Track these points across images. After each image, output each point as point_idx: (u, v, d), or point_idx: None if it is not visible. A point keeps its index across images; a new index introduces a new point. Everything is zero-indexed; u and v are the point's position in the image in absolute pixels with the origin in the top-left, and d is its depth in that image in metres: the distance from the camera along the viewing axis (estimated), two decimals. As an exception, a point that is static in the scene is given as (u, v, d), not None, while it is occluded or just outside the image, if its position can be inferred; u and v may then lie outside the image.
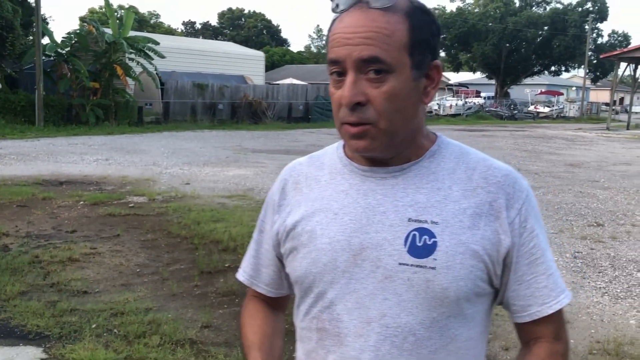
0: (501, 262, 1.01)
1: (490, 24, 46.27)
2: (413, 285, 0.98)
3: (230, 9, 66.92)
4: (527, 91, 50.13)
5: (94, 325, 3.90)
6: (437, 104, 40.91)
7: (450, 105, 40.18)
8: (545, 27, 46.94)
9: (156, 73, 22.27)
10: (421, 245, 0.98)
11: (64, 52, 21.08)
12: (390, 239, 0.99)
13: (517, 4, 49.05)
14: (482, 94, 48.73)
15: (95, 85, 21.19)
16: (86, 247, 5.77)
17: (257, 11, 68.86)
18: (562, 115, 46.02)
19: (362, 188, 1.04)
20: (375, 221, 1.01)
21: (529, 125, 35.27)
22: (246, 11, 66.64)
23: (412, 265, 0.98)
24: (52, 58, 20.97)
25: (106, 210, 7.44)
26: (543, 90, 52.26)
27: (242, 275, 1.24)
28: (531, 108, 45.82)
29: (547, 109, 45.46)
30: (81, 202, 7.89)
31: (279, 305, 1.25)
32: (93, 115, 20.66)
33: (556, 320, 1.06)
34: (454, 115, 38.73)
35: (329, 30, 1.01)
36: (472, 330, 1.03)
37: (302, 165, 1.15)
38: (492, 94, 50.15)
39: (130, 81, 22.05)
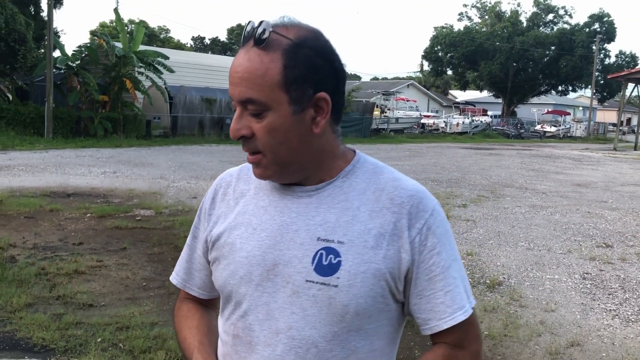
0: (402, 279, 1.07)
1: (498, 43, 46.43)
2: (317, 302, 1.04)
3: (239, 25, 67.45)
4: (534, 110, 50.13)
5: (99, 339, 3.88)
6: (444, 121, 40.95)
7: (457, 124, 40.18)
8: (553, 47, 47.05)
9: (165, 87, 22.42)
10: (327, 264, 1.04)
11: (74, 65, 21.27)
12: (299, 257, 1.06)
13: (525, 24, 49.24)
14: (489, 113, 48.75)
15: (105, 98, 21.35)
16: (92, 259, 5.76)
17: (266, 27, 69.22)
18: (568, 135, 45.95)
19: (279, 205, 1.10)
20: (288, 239, 1.07)
21: (535, 144, 35.21)
22: (255, 27, 67.15)
23: (317, 282, 1.04)
24: (62, 71, 21.16)
25: (113, 223, 7.44)
26: (550, 109, 52.24)
27: (175, 278, 1.30)
28: (538, 127, 45.78)
29: (553, 129, 45.40)
30: (88, 215, 7.90)
31: (211, 305, 1.30)
32: (101, 128, 20.77)
33: (457, 332, 1.09)
34: (460, 134, 38.73)
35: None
36: (375, 343, 1.09)
37: (232, 177, 1.21)
38: (499, 113, 50.18)
39: (139, 95, 22.19)
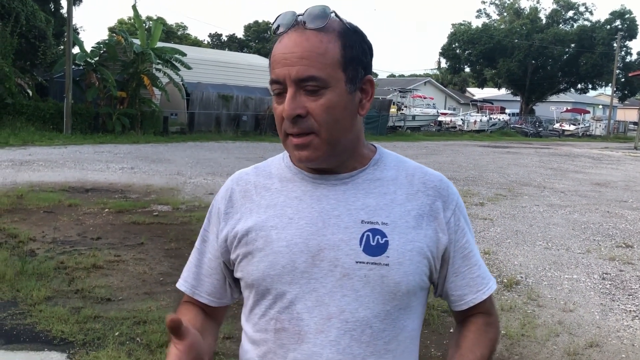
0: (440, 257, 1.13)
1: (516, 41, 45.99)
2: (369, 281, 1.07)
3: (256, 22, 67.61)
4: (553, 108, 49.61)
5: (117, 333, 3.91)
6: (462, 119, 40.70)
7: (475, 121, 39.92)
8: (572, 45, 46.49)
9: (182, 84, 22.55)
10: (375, 244, 1.07)
11: (93, 61, 21.46)
12: (346, 240, 1.08)
13: (544, 21, 48.72)
14: (507, 111, 48.35)
15: (123, 94, 21.52)
16: (110, 254, 5.82)
17: (283, 24, 69.27)
18: (588, 133, 45.42)
19: (315, 194, 1.12)
20: (331, 224, 1.09)
21: (554, 143, 34.84)
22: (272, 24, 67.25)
23: (367, 262, 1.07)
24: (81, 67, 21.37)
25: (131, 218, 7.51)
26: (569, 107, 51.69)
27: (183, 284, 1.26)
28: (556, 126, 45.33)
29: (572, 127, 44.92)
30: (106, 210, 7.98)
31: (216, 315, 1.27)
32: (119, 124, 20.95)
33: (487, 301, 1.19)
34: (478, 131, 38.47)
35: (270, 52, 1.10)
36: (415, 321, 1.14)
37: (249, 175, 1.21)
38: (517, 111, 49.74)
39: (156, 91, 22.33)
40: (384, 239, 1.08)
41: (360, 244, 1.07)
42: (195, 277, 1.24)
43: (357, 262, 1.07)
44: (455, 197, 1.17)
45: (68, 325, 3.99)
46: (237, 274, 1.17)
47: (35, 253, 5.73)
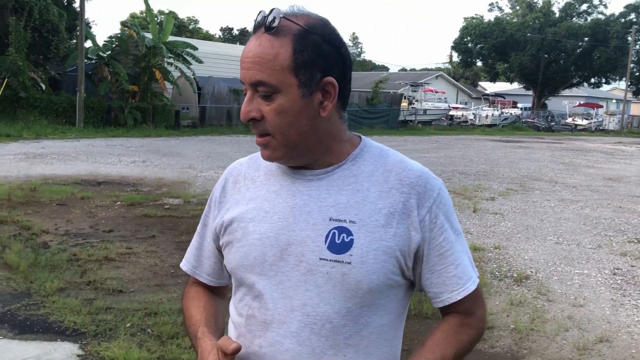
0: (412, 256, 1.12)
1: (529, 34, 45.59)
2: (331, 278, 1.09)
3: (267, 16, 67.55)
4: (565, 103, 49.16)
5: (128, 324, 3.96)
6: (473, 113, 40.48)
7: (486, 116, 39.68)
8: (586, 38, 46.00)
9: (194, 78, 22.61)
10: (339, 242, 1.09)
11: (105, 55, 21.58)
12: (312, 237, 1.10)
13: (557, 15, 48.23)
14: (519, 105, 48.00)
15: (134, 88, 21.63)
16: (122, 246, 5.87)
17: (294, 18, 69.18)
18: (601, 128, 44.99)
19: (291, 189, 1.15)
20: (301, 220, 1.12)
21: (566, 137, 34.58)
22: (283, 18, 67.16)
23: (330, 260, 1.09)
24: (93, 61, 21.48)
25: (142, 211, 7.57)
26: (582, 102, 51.18)
27: (185, 265, 1.34)
28: (569, 120, 44.92)
29: (585, 122, 44.49)
30: (118, 203, 8.04)
31: (219, 292, 1.35)
32: (131, 118, 21.07)
33: (467, 301, 1.17)
34: (489, 126, 38.24)
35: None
36: (384, 317, 1.14)
37: (242, 166, 1.26)
38: (529, 105, 49.37)
39: (168, 85, 22.43)
40: (350, 237, 1.09)
41: (326, 242, 1.09)
42: (196, 258, 1.32)
43: (320, 259, 1.09)
44: (434, 193, 1.14)
45: (80, 316, 4.04)
46: (224, 261, 1.23)
47: (48, 245, 5.80)
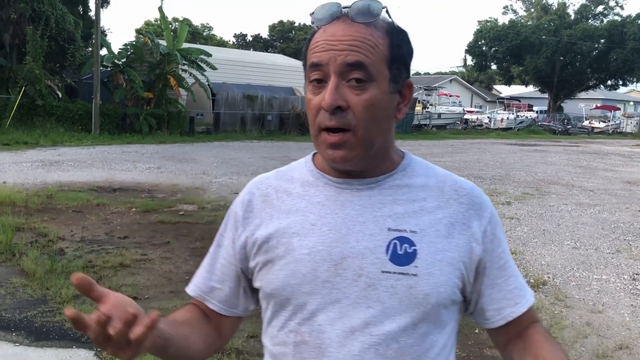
0: (474, 269, 1.06)
1: (544, 37, 45.26)
2: (397, 292, 1.00)
3: (281, 22, 67.84)
4: (582, 106, 48.73)
5: (143, 331, 3.96)
6: (488, 117, 40.24)
7: (502, 119, 39.43)
8: (602, 40, 45.56)
9: (208, 84, 22.75)
10: (402, 253, 1.01)
11: (120, 62, 21.80)
12: (371, 248, 1.01)
13: (573, 17, 47.85)
14: (535, 108, 47.64)
15: (149, 95, 21.81)
16: (137, 253, 5.90)
17: (307, 24, 69.60)
18: (618, 131, 44.49)
19: (339, 199, 1.06)
20: (356, 231, 1.02)
21: (583, 140, 34.23)
22: (296, 24, 67.42)
23: (394, 272, 1.00)
24: (109, 68, 21.72)
25: (157, 217, 7.60)
26: (598, 104, 50.70)
27: (192, 290, 1.18)
28: (585, 123, 44.49)
29: (602, 124, 44.04)
30: (133, 209, 8.09)
31: (221, 325, 1.17)
32: (146, 125, 21.23)
33: (530, 312, 1.12)
34: (505, 129, 37.98)
35: (309, 42, 1.04)
36: (447, 338, 1.06)
37: (270, 179, 1.15)
38: (545, 108, 48.96)
39: (182, 92, 22.59)
40: (412, 248, 1.01)
41: (387, 253, 1.01)
42: (206, 282, 1.17)
43: (383, 272, 1.00)
44: (489, 205, 1.11)
45: (96, 323, 4.05)
46: (256, 283, 1.11)
47: (64, 252, 5.84)
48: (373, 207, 1.04)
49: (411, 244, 1.01)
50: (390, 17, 1.04)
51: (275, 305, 1.07)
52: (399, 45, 1.03)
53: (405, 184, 1.08)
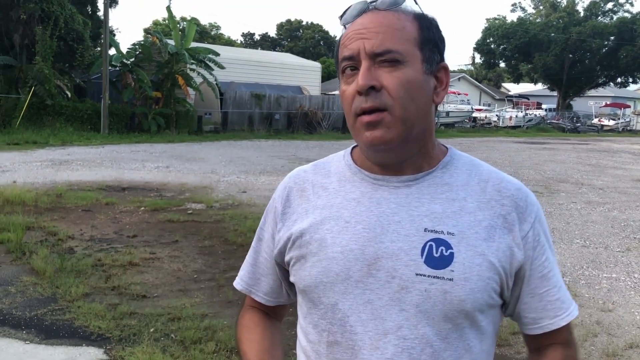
0: (513, 274, 1.02)
1: (553, 34, 45.01)
2: (430, 297, 0.97)
3: (288, 21, 67.84)
4: (591, 103, 48.40)
5: (152, 329, 3.98)
6: (497, 115, 40.07)
7: (510, 117, 39.26)
8: (612, 37, 45.24)
9: (216, 83, 22.78)
10: (438, 256, 0.97)
11: (128, 62, 21.88)
12: (406, 249, 0.98)
13: (582, 14, 47.54)
14: (544, 106, 47.36)
15: (158, 94, 21.88)
16: (146, 252, 5.92)
17: (315, 22, 69.53)
18: (628, 128, 44.18)
19: (374, 196, 1.03)
20: (390, 230, 1.00)
21: (592, 138, 34.02)
22: (304, 22, 67.41)
23: (429, 276, 0.97)
24: (117, 68, 21.80)
25: (165, 216, 7.63)
26: (608, 102, 50.32)
27: (239, 284, 1.22)
28: (595, 121, 44.22)
29: (612, 122, 43.74)
30: (142, 208, 8.12)
31: (277, 314, 1.23)
32: (155, 124, 21.31)
33: (566, 329, 1.07)
34: (513, 127, 37.83)
35: (339, 41, 1.04)
36: (484, 342, 1.03)
37: (307, 173, 1.14)
38: (554, 106, 48.69)
39: (190, 91, 22.64)
40: (449, 251, 0.98)
41: (422, 255, 0.98)
42: (252, 276, 1.20)
43: (417, 275, 0.97)
44: (535, 208, 1.05)
45: (105, 321, 4.08)
46: (291, 278, 1.11)
47: (73, 250, 5.88)
48: (410, 206, 1.01)
49: (448, 246, 0.98)
50: (417, 4, 1.05)
51: (309, 302, 1.07)
52: (428, 27, 1.02)
53: (445, 182, 1.04)
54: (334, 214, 1.04)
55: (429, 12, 1.07)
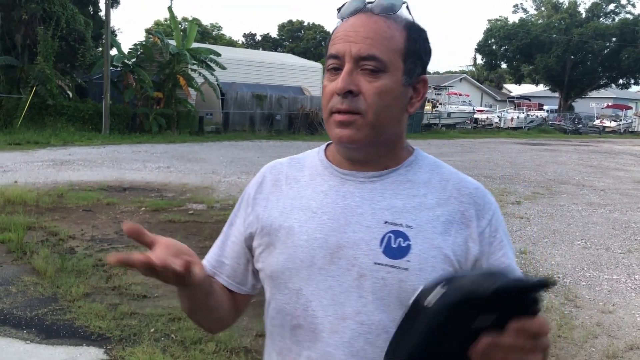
0: (469, 268, 1.06)
1: (555, 36, 44.99)
2: (387, 285, 1.02)
3: (290, 21, 67.90)
4: (593, 105, 48.38)
5: (152, 330, 3.98)
6: (498, 116, 40.06)
7: (512, 118, 39.24)
8: (614, 39, 45.23)
9: (217, 84, 22.79)
10: (396, 247, 1.03)
11: (130, 62, 21.89)
12: (366, 239, 1.04)
13: (584, 15, 47.52)
14: (545, 107, 47.36)
15: (159, 95, 21.89)
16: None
17: (317, 23, 69.60)
18: (630, 130, 44.14)
19: (341, 190, 1.09)
20: (353, 222, 1.06)
21: (594, 140, 33.99)
22: (305, 23, 67.45)
23: (386, 265, 1.02)
24: (119, 68, 21.80)
25: (166, 216, 7.63)
26: (610, 103, 50.32)
27: (205, 263, 1.24)
28: (597, 122, 44.18)
29: (614, 124, 43.72)
30: (143, 208, 8.13)
31: (236, 301, 1.23)
32: (156, 124, 21.31)
33: None
34: (515, 129, 37.80)
35: (331, 35, 1.10)
36: None
37: (283, 165, 1.20)
38: (556, 107, 48.67)
39: (192, 91, 22.65)
40: (407, 242, 1.03)
41: (381, 245, 1.03)
42: (217, 258, 1.23)
43: (375, 264, 1.03)
44: (493, 207, 1.10)
45: (105, 321, 4.08)
46: (258, 265, 1.15)
47: (74, 250, 5.88)
48: (373, 200, 1.07)
49: (406, 238, 1.04)
50: (410, 14, 1.09)
51: (274, 287, 1.11)
52: (415, 39, 1.07)
53: (408, 179, 1.10)
54: (303, 204, 1.11)
55: (421, 22, 1.10)
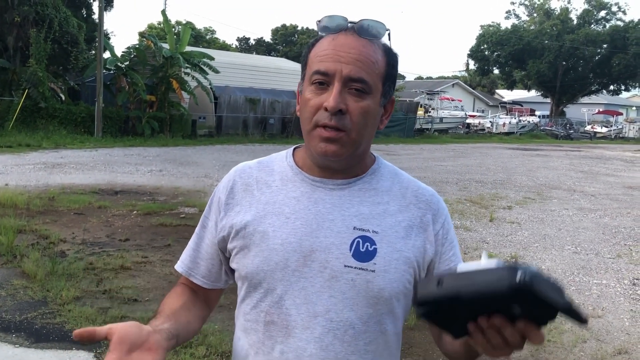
0: (425, 267, 1.18)
1: (546, 42, 45.27)
2: (355, 285, 1.12)
3: (284, 25, 67.93)
4: (584, 110, 48.67)
5: (143, 333, 3.97)
6: (490, 121, 40.22)
7: (504, 124, 39.41)
8: (605, 45, 45.56)
9: (210, 87, 22.77)
10: (364, 251, 1.13)
11: (123, 65, 21.82)
12: (337, 244, 1.13)
13: (575, 22, 47.86)
14: (537, 113, 47.60)
15: (152, 98, 21.83)
16: (138, 255, 5.91)
17: (310, 28, 69.64)
18: (620, 135, 44.43)
19: (313, 196, 1.17)
20: (325, 227, 1.14)
21: (585, 145, 34.20)
22: (299, 28, 67.52)
23: (355, 267, 1.12)
24: (112, 71, 21.74)
25: (158, 220, 7.62)
26: (601, 109, 50.63)
27: (180, 266, 1.32)
28: (588, 128, 44.44)
29: (605, 129, 43.99)
30: (135, 212, 8.11)
31: (209, 298, 1.31)
32: (149, 128, 21.25)
33: None
34: (507, 134, 37.97)
35: (312, 45, 1.17)
36: (397, 325, 1.20)
37: (252, 169, 1.26)
38: (547, 113, 48.93)
39: (185, 95, 22.60)
40: (373, 247, 1.13)
41: (350, 249, 1.13)
42: (192, 260, 1.29)
43: (345, 266, 1.12)
44: (445, 212, 1.23)
45: (96, 324, 4.05)
46: (233, 265, 1.22)
47: (65, 254, 5.86)
48: (342, 207, 1.16)
49: (372, 243, 1.14)
50: (389, 39, 1.18)
51: (249, 286, 1.19)
52: (393, 65, 1.17)
53: (373, 187, 1.20)
54: (276, 209, 1.17)
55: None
